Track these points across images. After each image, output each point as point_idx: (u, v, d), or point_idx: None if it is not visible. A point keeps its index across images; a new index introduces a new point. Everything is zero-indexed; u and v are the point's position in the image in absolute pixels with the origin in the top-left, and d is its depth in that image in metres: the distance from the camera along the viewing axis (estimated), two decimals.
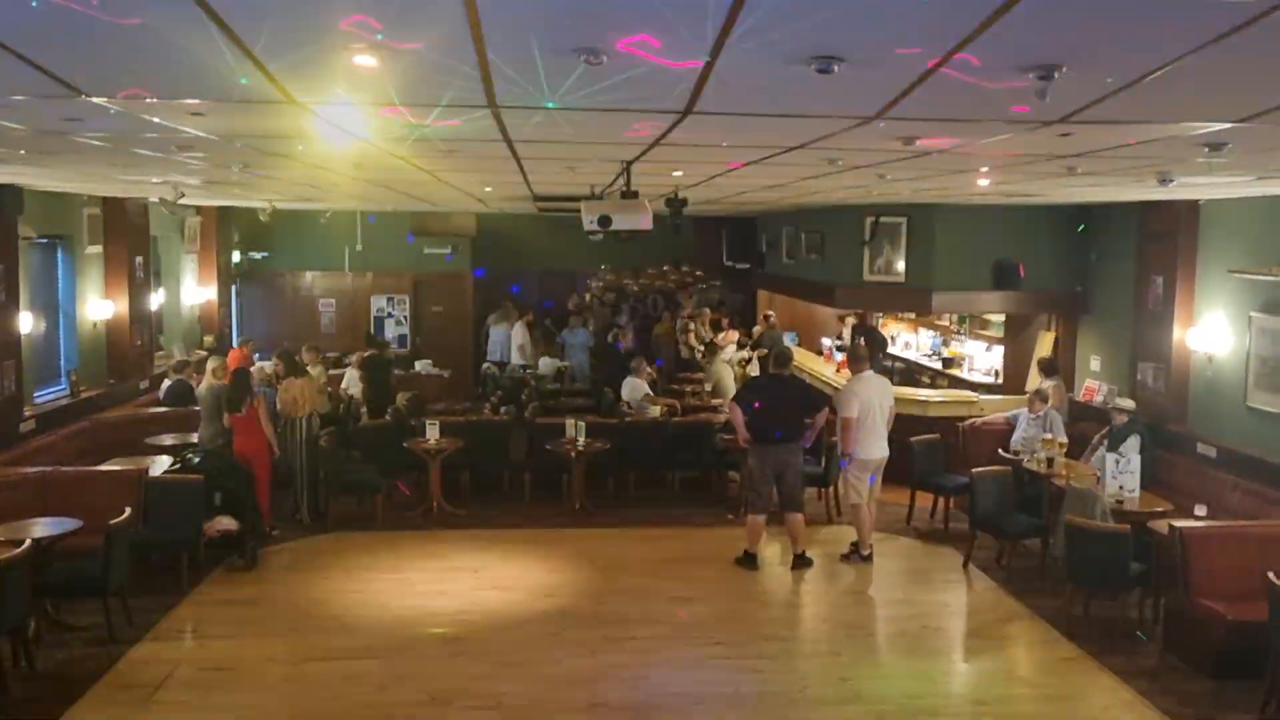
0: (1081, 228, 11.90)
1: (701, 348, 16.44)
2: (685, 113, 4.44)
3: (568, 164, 7.07)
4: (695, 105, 4.22)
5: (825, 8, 2.71)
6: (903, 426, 10.31)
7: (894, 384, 10.97)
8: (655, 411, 12.04)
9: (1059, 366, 11.61)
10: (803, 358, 15.66)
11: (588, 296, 19.33)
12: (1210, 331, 9.57)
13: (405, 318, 17.88)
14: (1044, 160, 6.37)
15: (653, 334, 16.55)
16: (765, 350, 14.94)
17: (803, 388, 9.39)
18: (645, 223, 7.15)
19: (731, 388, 13.35)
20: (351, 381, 12.91)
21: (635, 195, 7.49)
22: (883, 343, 15.35)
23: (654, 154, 6.35)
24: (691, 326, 16.84)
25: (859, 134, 5.19)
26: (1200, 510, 7.98)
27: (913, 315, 16.15)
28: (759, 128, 5.06)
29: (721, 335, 16.11)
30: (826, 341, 15.63)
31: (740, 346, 15.88)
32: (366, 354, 13.31)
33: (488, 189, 10.58)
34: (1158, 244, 10.23)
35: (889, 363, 16.03)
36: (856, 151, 6.21)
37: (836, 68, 3.17)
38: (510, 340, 16.62)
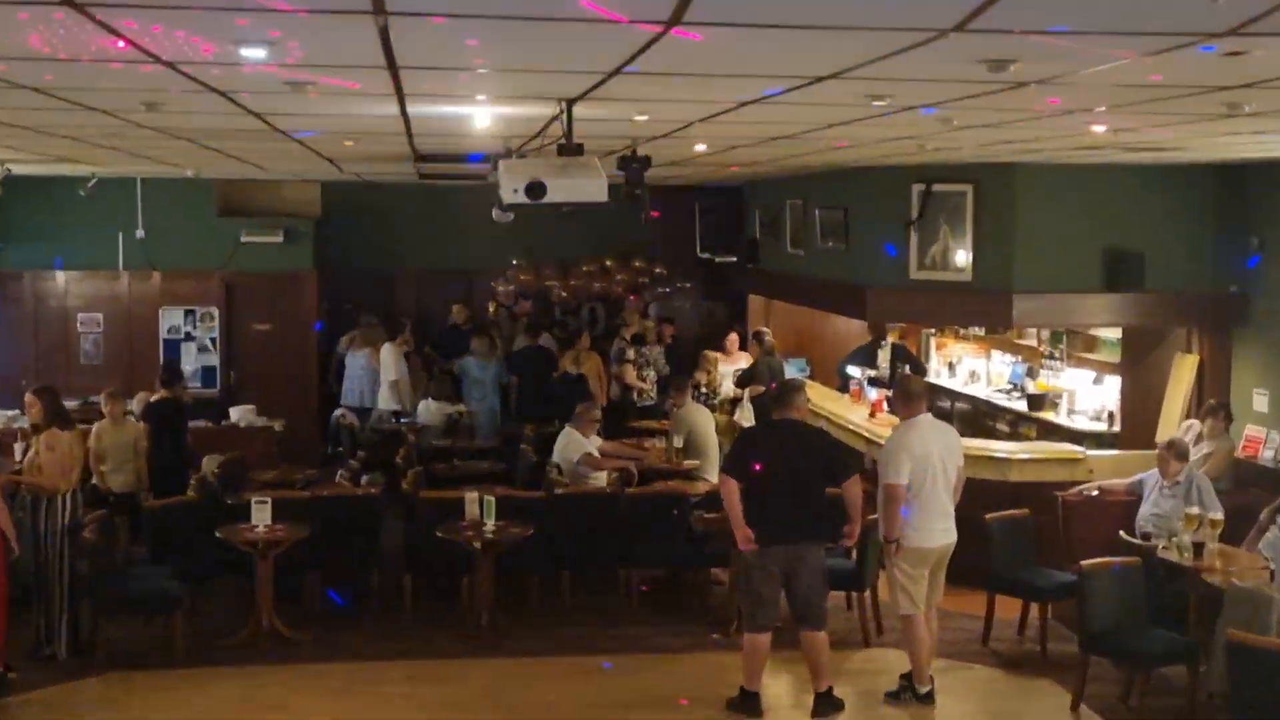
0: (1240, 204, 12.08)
1: (647, 384, 16.67)
2: (670, 24, 4.46)
3: (470, 101, 7.01)
4: (685, 13, 4.26)
5: None
6: (974, 497, 10.29)
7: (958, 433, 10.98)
8: (601, 480, 12.13)
9: (1224, 404, 11.74)
10: (816, 397, 15.66)
11: (492, 307, 19.32)
12: None
13: (213, 341, 17.78)
14: (1196, 94, 6.45)
15: (561, 363, 16.59)
16: (760, 386, 15.01)
17: (822, 441, 9.53)
18: (598, 191, 7.20)
19: (713, 443, 13.33)
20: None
21: (580, 151, 7.52)
22: (920, 370, 15.63)
23: (612, 88, 6.32)
24: (630, 354, 17.12)
25: (924, 57, 5.24)
26: None
27: (982, 331, 16.28)
28: (770, 49, 5.10)
29: (722, 356, 16.19)
30: (853, 372, 15.71)
31: (720, 383, 15.95)
32: (154, 398, 13.17)
33: (348, 143, 10.53)
34: None
35: (945, 402, 16.15)
36: (914, 84, 6.28)
37: None
38: (377, 374, 16.70)
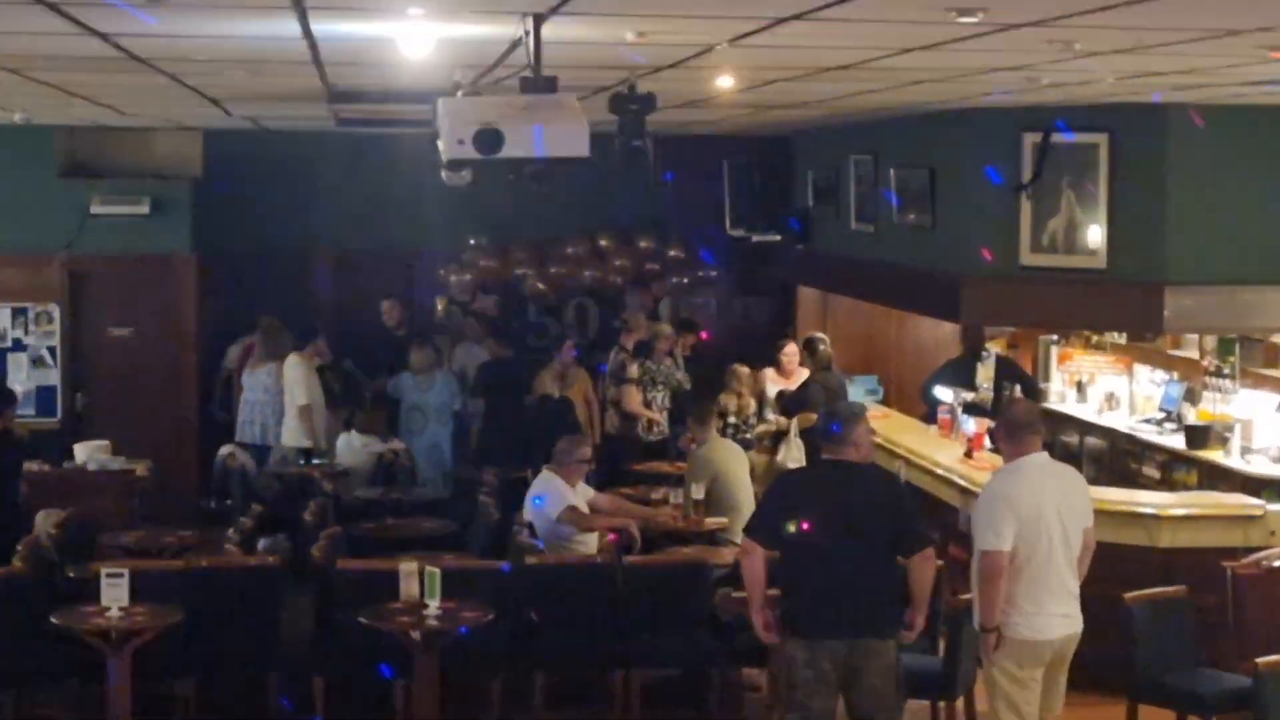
0: None
1: (657, 412, 16.88)
2: None
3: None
4: None
5: None
6: (1109, 568, 10.29)
7: (1087, 478, 11.06)
8: (590, 545, 12.17)
9: None
10: (890, 429, 15.73)
11: (441, 305, 19.41)
12: None
13: (51, 351, 17.86)
14: None
15: (537, 383, 16.57)
16: (812, 414, 14.91)
17: (891, 493, 9.56)
18: (575, 141, 7.13)
19: (747, 494, 13.33)
20: None
21: (552, 86, 7.52)
22: (1034, 393, 15.66)
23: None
24: (633, 370, 17.22)
25: None
26: None
27: (1122, 339, 16.27)
28: None
29: (774, 374, 16.32)
30: (943, 396, 15.67)
31: (754, 411, 15.91)
32: None
33: (235, 75, 10.61)
34: None
35: (1071, 436, 16.22)
36: None
37: None
38: (280, 398, 16.69)
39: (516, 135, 6.96)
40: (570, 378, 16.81)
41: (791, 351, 17.10)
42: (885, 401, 17.39)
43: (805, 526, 8.96)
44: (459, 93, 8.14)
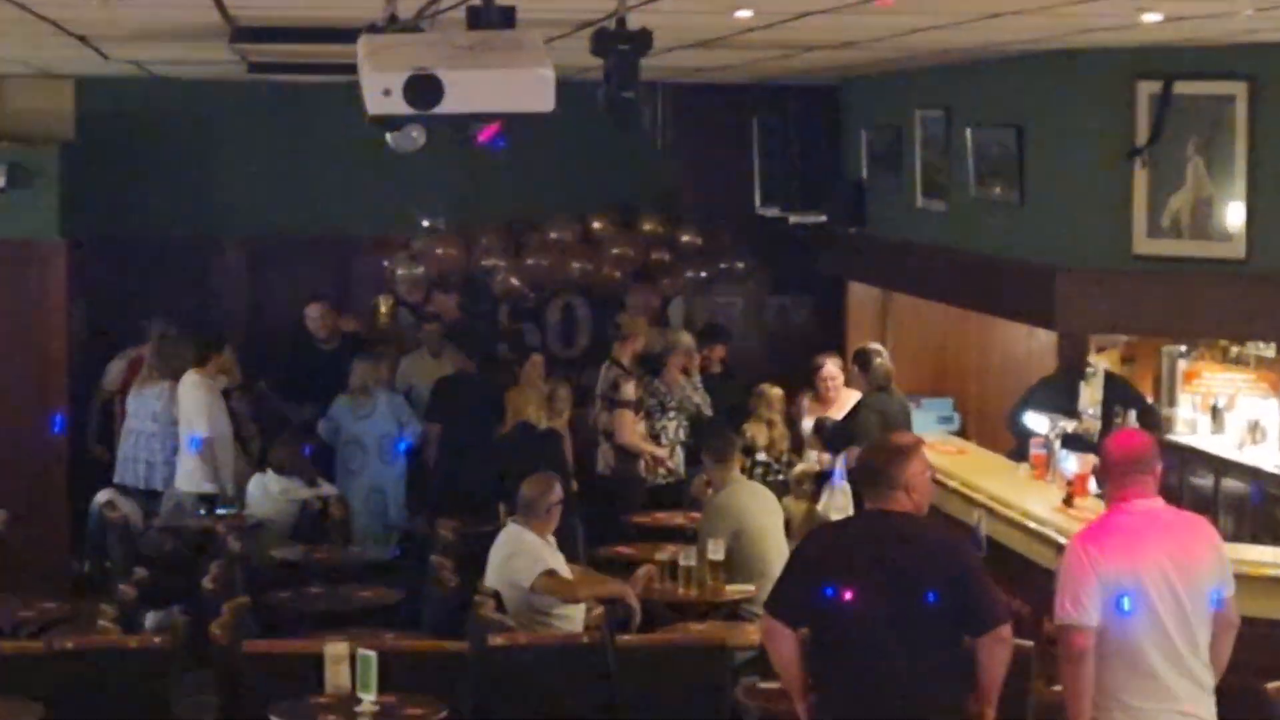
0: None
1: (663, 448, 17.00)
2: None
3: None
4: None
5: None
6: (1252, 651, 10.22)
7: (1224, 532, 11.11)
8: (574, 619, 12.27)
9: None
10: (967, 469, 15.88)
11: (385, 306, 19.58)
12: None
13: None
14: None
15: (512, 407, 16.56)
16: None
17: (955, 554, 9.42)
18: (534, 92, 7.14)
19: (779, 553, 13.32)
20: None
21: (509, 19, 7.55)
22: (1153, 420, 15.65)
23: None
24: (629, 390, 17.30)
25: None
26: None
27: (1269, 349, 16.23)
28: None
29: (812, 400, 16.25)
30: (1035, 425, 15.66)
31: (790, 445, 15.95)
32: None
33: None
34: None
35: (1202, 478, 16.14)
36: None
37: None
38: (174, 429, 16.78)
39: (459, 84, 6.94)
40: (560, 403, 16.78)
41: (832, 374, 17.14)
42: (963, 432, 17.44)
43: (841, 598, 8.88)
44: (387, 30, 8.13)
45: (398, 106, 6.98)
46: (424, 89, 6.91)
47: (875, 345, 17.00)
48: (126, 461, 16.89)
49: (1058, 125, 14.22)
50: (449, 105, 7.00)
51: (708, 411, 16.91)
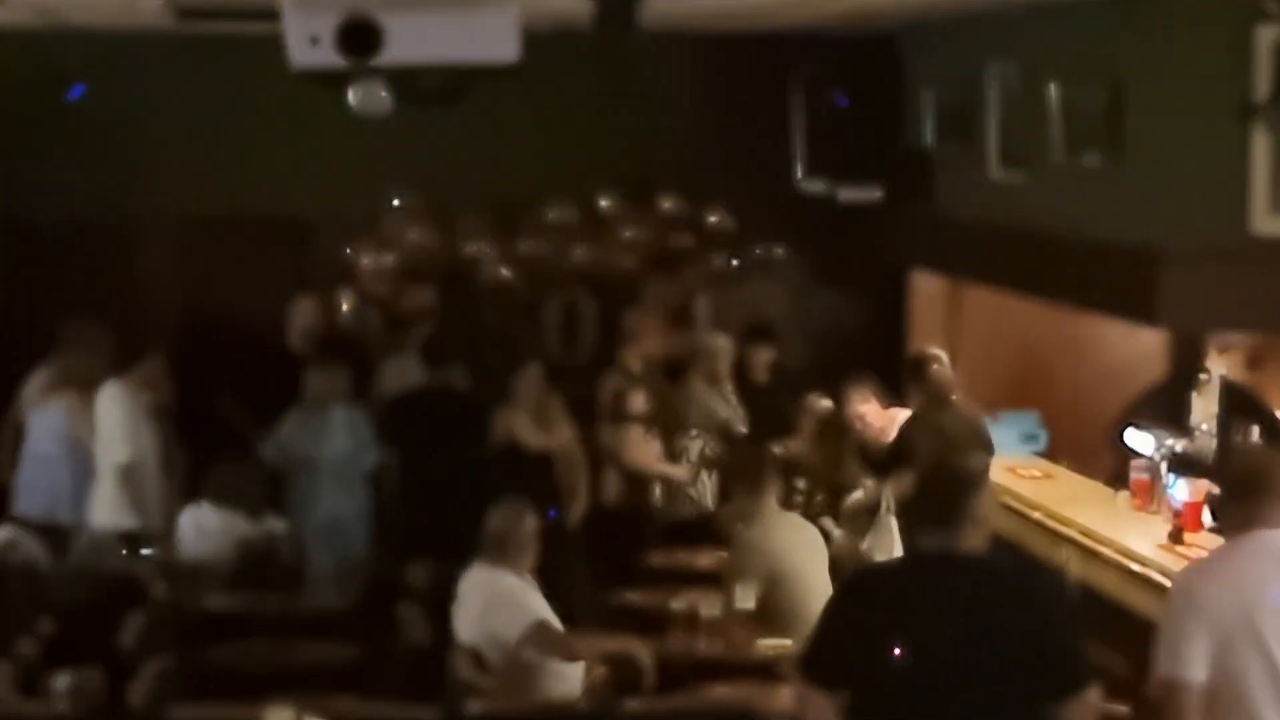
0: None
1: (684, 474, 17.03)
2: None
3: None
4: None
5: None
6: None
7: None
8: (571, 681, 12.37)
9: None
10: (1055, 497, 15.88)
11: (348, 304, 19.68)
12: None
13: None
14: None
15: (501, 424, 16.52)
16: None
17: (1033, 601, 9.25)
18: (496, 38, 7.08)
19: (819, 598, 13.30)
20: None
21: None
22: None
23: None
24: (639, 402, 17.23)
25: None
26: None
27: None
28: None
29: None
30: (1140, 444, 15.62)
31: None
32: None
33: None
34: None
35: None
36: None
37: None
38: (88, 452, 16.61)
39: (404, 30, 6.91)
40: (557, 416, 16.78)
41: (858, 414, 16.99)
42: (1051, 454, 17.31)
43: (891, 658, 8.75)
44: None
45: (327, 56, 6.94)
46: (360, 36, 6.88)
47: (932, 351, 16.57)
48: (30, 489, 16.62)
49: (1161, 79, 13.99)
50: (392, 54, 6.96)
51: (740, 428, 16.89)
